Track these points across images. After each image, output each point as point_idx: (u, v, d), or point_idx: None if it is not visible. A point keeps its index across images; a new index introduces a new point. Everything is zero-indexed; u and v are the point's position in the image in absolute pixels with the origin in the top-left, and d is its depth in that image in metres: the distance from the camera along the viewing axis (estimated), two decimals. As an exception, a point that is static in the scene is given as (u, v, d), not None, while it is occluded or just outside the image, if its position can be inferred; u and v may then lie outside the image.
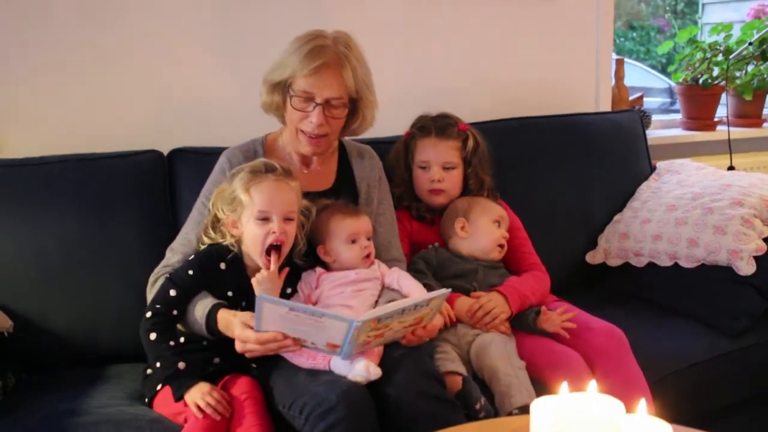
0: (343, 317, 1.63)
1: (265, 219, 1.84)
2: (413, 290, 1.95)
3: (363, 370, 1.70)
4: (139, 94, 2.49)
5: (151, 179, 2.27)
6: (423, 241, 2.31)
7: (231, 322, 1.78)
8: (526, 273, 2.30)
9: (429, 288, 2.01)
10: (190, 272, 1.86)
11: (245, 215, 1.85)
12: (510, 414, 1.83)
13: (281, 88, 2.02)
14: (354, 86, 1.99)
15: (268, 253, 1.83)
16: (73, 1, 2.37)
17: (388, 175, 2.28)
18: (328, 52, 1.95)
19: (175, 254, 1.98)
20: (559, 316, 2.10)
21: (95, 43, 2.42)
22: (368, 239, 2.01)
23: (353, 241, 1.98)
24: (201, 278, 1.87)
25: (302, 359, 1.78)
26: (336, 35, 2.01)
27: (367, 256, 2.00)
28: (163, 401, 1.82)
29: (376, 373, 1.71)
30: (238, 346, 1.74)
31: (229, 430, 1.72)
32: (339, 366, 1.74)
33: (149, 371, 1.93)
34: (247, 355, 1.75)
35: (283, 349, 1.73)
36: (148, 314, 1.84)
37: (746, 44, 3.45)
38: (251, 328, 1.71)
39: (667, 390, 2.08)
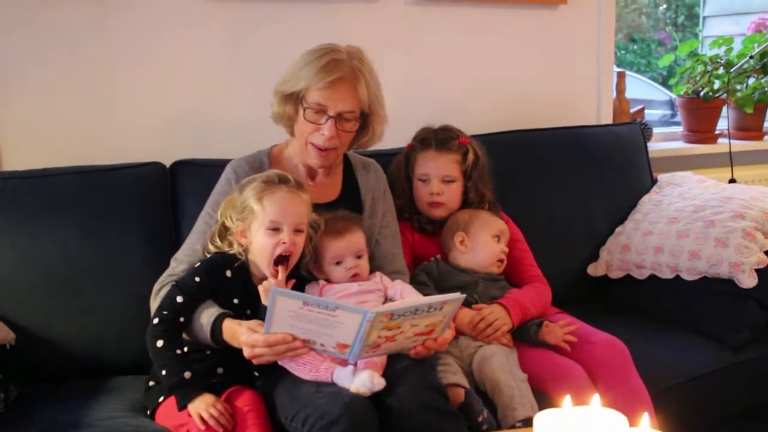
0: (357, 309, 1.63)
1: (275, 229, 1.84)
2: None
3: (367, 380, 1.69)
4: (141, 106, 2.50)
5: (153, 191, 2.28)
6: (425, 253, 2.31)
7: (236, 330, 1.77)
8: (528, 285, 2.30)
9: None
10: (197, 279, 1.86)
11: (255, 224, 1.85)
12: (513, 427, 1.82)
13: (294, 99, 2.03)
14: (367, 101, 2.01)
15: (276, 263, 1.83)
16: (77, 12, 2.38)
17: (390, 187, 2.29)
18: (343, 67, 1.97)
19: (179, 264, 1.98)
20: (561, 328, 2.10)
21: (99, 55, 2.43)
22: (358, 257, 1.99)
23: (338, 263, 1.98)
24: (207, 285, 1.87)
25: (305, 371, 1.78)
26: (349, 49, 2.02)
27: (354, 275, 1.98)
28: (166, 413, 1.82)
29: (380, 383, 1.71)
30: (246, 352, 1.73)
31: (232, 442, 1.72)
32: (342, 378, 1.73)
33: (151, 383, 1.93)
34: (255, 361, 1.74)
35: (291, 353, 1.72)
36: (156, 321, 1.83)
37: (747, 58, 3.46)
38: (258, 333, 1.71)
39: (669, 403, 2.08)
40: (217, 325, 1.81)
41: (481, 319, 2.09)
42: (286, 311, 1.65)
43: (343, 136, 2.02)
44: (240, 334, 1.75)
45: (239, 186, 1.94)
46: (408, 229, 2.33)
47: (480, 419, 1.80)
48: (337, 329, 1.66)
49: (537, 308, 2.21)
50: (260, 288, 1.82)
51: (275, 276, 1.82)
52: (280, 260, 1.83)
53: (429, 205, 2.32)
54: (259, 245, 1.85)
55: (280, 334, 1.69)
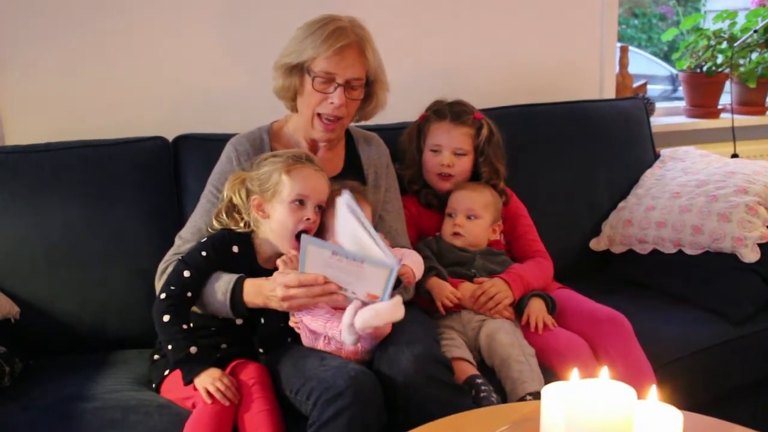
0: (384, 263, 1.64)
1: (300, 203, 1.84)
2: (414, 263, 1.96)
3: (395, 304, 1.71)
4: (144, 80, 2.49)
5: (156, 166, 2.27)
6: (429, 227, 2.31)
7: (263, 285, 1.78)
8: (530, 260, 2.30)
9: (436, 272, 2.09)
10: (204, 254, 1.85)
11: (279, 198, 1.84)
12: (523, 399, 1.84)
13: (299, 70, 2.01)
14: (374, 67, 2.01)
15: (297, 238, 1.82)
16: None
17: (399, 157, 2.28)
18: (349, 34, 1.96)
19: (185, 243, 1.97)
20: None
21: (101, 29, 2.42)
22: None
23: None
24: (214, 260, 1.86)
25: (319, 320, 1.79)
26: (349, 18, 2.01)
27: None
28: (171, 386, 1.83)
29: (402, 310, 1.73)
30: (280, 292, 1.72)
31: (238, 415, 1.73)
32: (346, 337, 1.73)
33: (156, 357, 1.94)
34: (287, 305, 1.74)
35: (326, 297, 1.72)
36: (163, 296, 1.81)
37: (751, 32, 3.44)
38: None
39: (671, 376, 2.08)
40: (237, 287, 1.80)
41: (482, 292, 2.10)
42: (318, 258, 1.67)
43: (350, 105, 2.02)
44: (271, 280, 1.76)
45: (256, 162, 1.93)
46: (413, 204, 2.33)
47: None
48: (366, 280, 1.68)
49: (538, 282, 2.21)
50: (279, 261, 1.80)
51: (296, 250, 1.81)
52: (297, 237, 1.82)
53: (438, 176, 2.31)
54: (281, 219, 1.84)
55: (312, 274, 1.69)
